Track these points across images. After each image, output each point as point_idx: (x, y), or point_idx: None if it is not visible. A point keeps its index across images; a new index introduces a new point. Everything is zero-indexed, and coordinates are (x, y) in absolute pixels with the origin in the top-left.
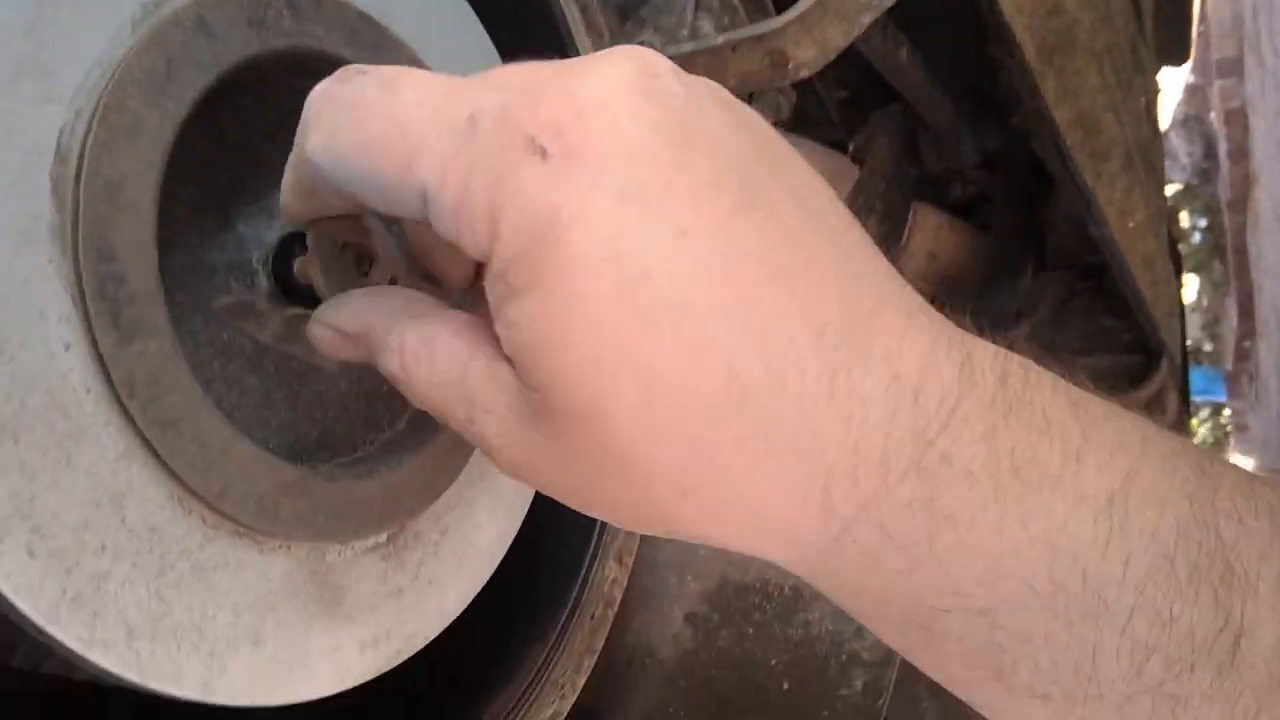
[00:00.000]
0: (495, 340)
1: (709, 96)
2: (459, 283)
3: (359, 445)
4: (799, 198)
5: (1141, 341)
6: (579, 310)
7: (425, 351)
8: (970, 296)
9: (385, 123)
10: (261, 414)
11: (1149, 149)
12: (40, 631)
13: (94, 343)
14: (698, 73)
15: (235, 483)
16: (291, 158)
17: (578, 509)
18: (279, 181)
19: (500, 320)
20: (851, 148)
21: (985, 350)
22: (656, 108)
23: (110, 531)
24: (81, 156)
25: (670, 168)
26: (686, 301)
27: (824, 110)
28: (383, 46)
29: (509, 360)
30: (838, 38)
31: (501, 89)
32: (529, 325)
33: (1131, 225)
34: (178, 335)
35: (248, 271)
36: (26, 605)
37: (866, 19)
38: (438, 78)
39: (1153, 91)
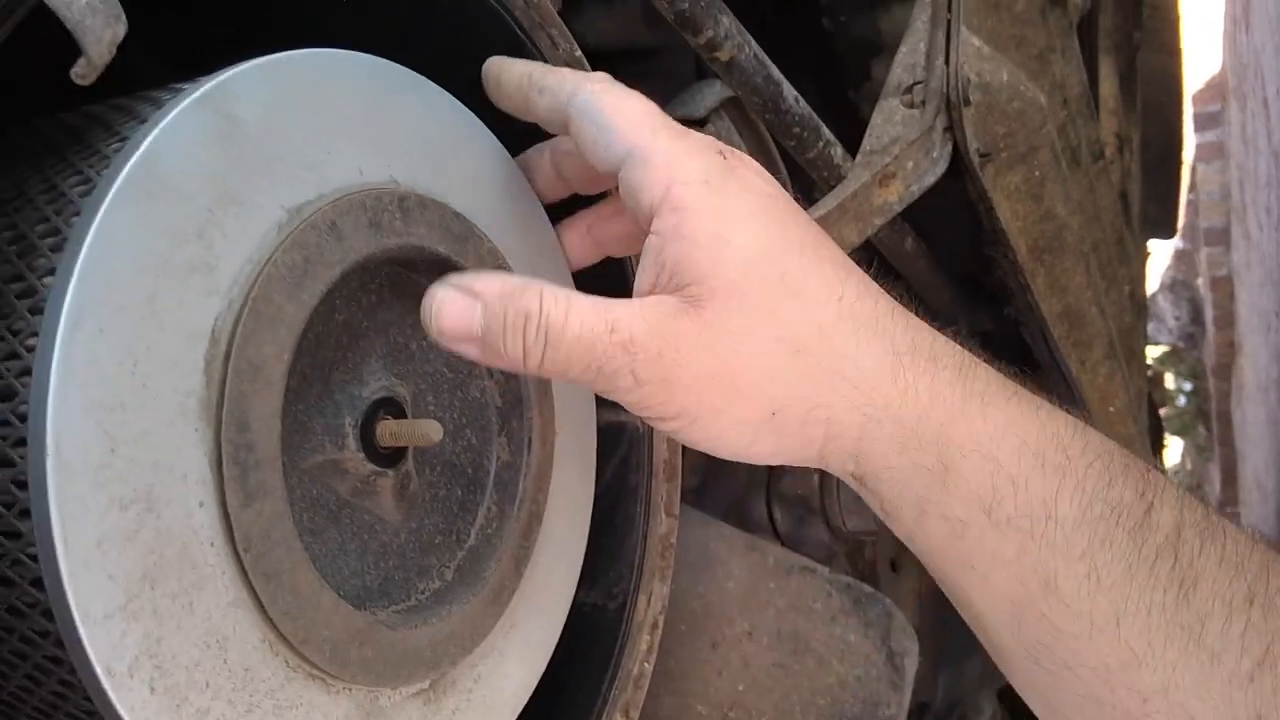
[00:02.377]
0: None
1: None
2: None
3: (412, 593)
4: None
5: None
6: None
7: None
8: None
9: None
10: (336, 563)
11: (1130, 334)
12: None
13: (223, 503)
14: None
15: (317, 629)
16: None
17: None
18: (373, 352)
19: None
20: None
21: None
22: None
23: (215, 671)
24: (231, 341)
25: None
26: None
27: None
28: (469, 240)
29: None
30: (852, 235)
31: None
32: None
33: (1112, 410)
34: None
35: (340, 433)
36: None
37: (879, 221)
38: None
39: (1137, 275)
